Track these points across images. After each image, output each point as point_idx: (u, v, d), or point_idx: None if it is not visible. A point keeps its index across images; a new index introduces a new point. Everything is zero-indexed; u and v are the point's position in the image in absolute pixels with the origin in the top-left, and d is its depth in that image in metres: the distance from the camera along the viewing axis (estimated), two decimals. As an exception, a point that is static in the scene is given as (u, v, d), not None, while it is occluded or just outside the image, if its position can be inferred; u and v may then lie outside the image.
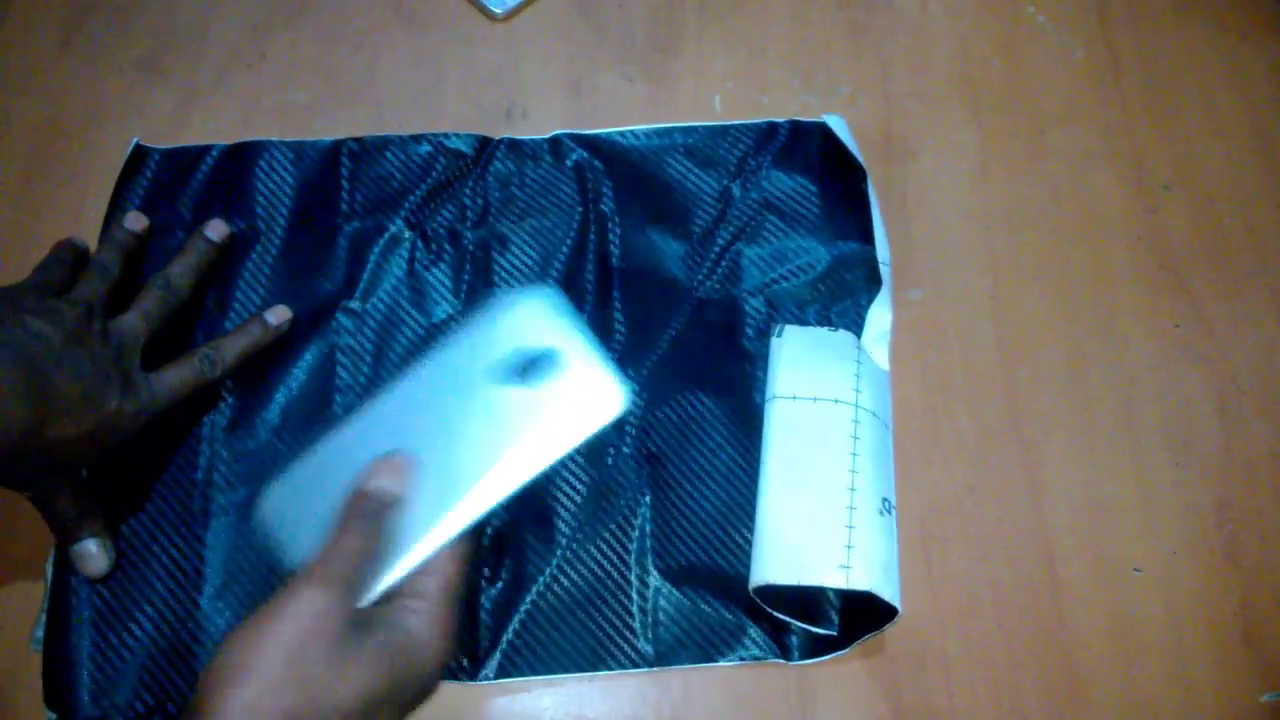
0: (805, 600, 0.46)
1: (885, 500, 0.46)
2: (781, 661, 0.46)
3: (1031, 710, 0.45)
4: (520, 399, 0.37)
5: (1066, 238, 0.54)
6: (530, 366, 0.37)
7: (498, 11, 0.59)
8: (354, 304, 0.52)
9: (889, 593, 0.43)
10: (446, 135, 0.55)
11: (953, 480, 0.49)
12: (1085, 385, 0.51)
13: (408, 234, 0.53)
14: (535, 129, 0.56)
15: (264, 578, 0.46)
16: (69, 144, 0.56)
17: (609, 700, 0.46)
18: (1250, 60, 0.59)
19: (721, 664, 0.46)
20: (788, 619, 0.45)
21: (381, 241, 0.53)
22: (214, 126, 0.56)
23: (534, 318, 0.38)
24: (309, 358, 0.51)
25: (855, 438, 0.46)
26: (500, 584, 0.47)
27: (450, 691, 0.45)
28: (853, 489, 0.45)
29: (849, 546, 0.44)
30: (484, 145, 0.55)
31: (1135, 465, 0.50)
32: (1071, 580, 0.48)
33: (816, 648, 0.46)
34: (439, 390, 0.37)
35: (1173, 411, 0.51)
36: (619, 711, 0.45)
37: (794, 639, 0.46)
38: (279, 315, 0.50)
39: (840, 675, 0.46)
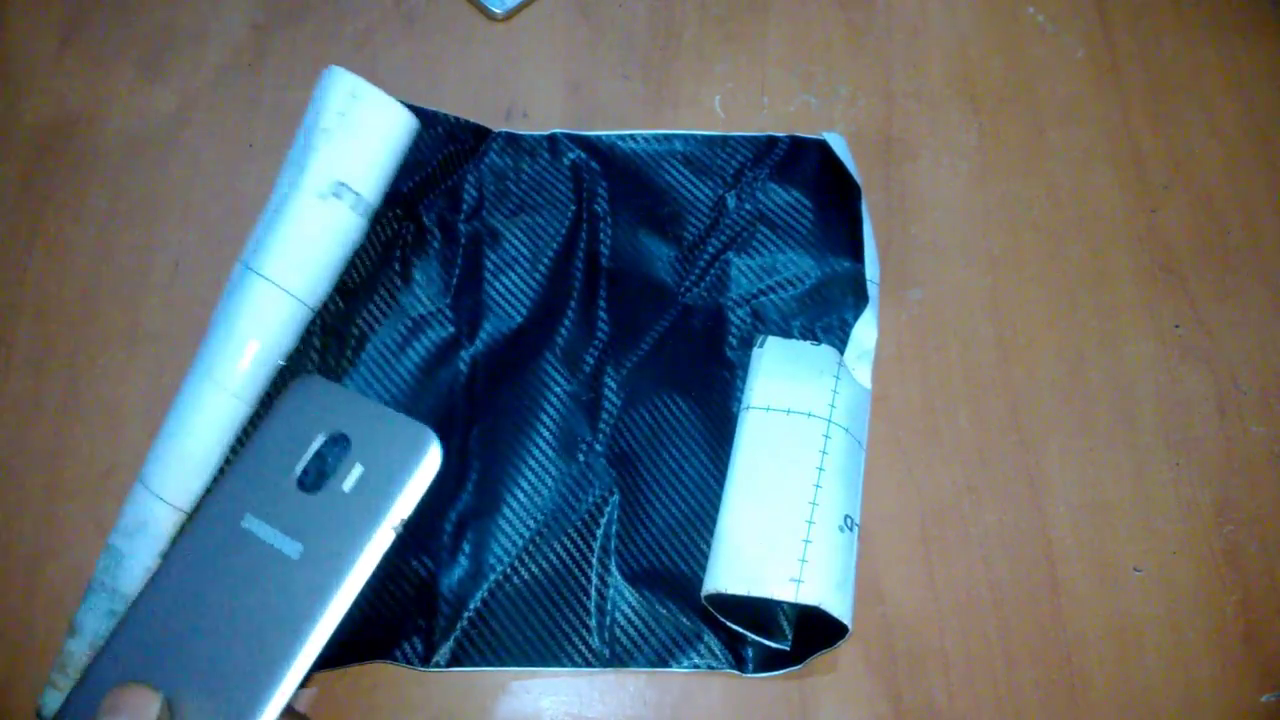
0: (761, 612, 0.45)
1: (848, 517, 0.45)
2: (735, 672, 0.45)
3: (1031, 710, 0.45)
4: (318, 506, 0.29)
5: (1066, 238, 0.54)
6: (316, 469, 0.31)
7: (498, 11, 0.59)
8: (342, 289, 0.51)
9: (839, 609, 0.42)
10: (448, 115, 0.54)
11: (953, 480, 0.49)
12: (1085, 385, 0.51)
13: (401, 222, 0.53)
14: (535, 129, 0.56)
15: None
16: (69, 144, 0.56)
17: (609, 700, 0.46)
18: (1250, 60, 0.59)
19: (675, 670, 0.46)
20: (741, 630, 0.45)
21: (373, 228, 0.52)
22: (214, 126, 0.56)
23: (299, 409, 0.30)
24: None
25: (824, 452, 0.46)
26: (459, 570, 0.47)
27: (449, 690, 0.45)
28: (814, 503, 0.45)
29: (803, 560, 0.43)
30: (481, 135, 0.55)
31: (1135, 465, 0.50)
32: (1071, 580, 0.48)
33: (771, 661, 0.45)
34: (217, 556, 0.30)
35: (1172, 411, 0.51)
36: (619, 712, 0.45)
37: (749, 650, 0.46)
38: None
39: (840, 675, 0.46)
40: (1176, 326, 0.53)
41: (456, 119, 0.55)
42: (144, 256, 0.53)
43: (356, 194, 0.44)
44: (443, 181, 0.54)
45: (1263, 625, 0.47)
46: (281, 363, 0.44)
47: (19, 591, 0.47)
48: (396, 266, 0.52)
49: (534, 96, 0.58)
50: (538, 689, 0.46)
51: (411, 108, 0.53)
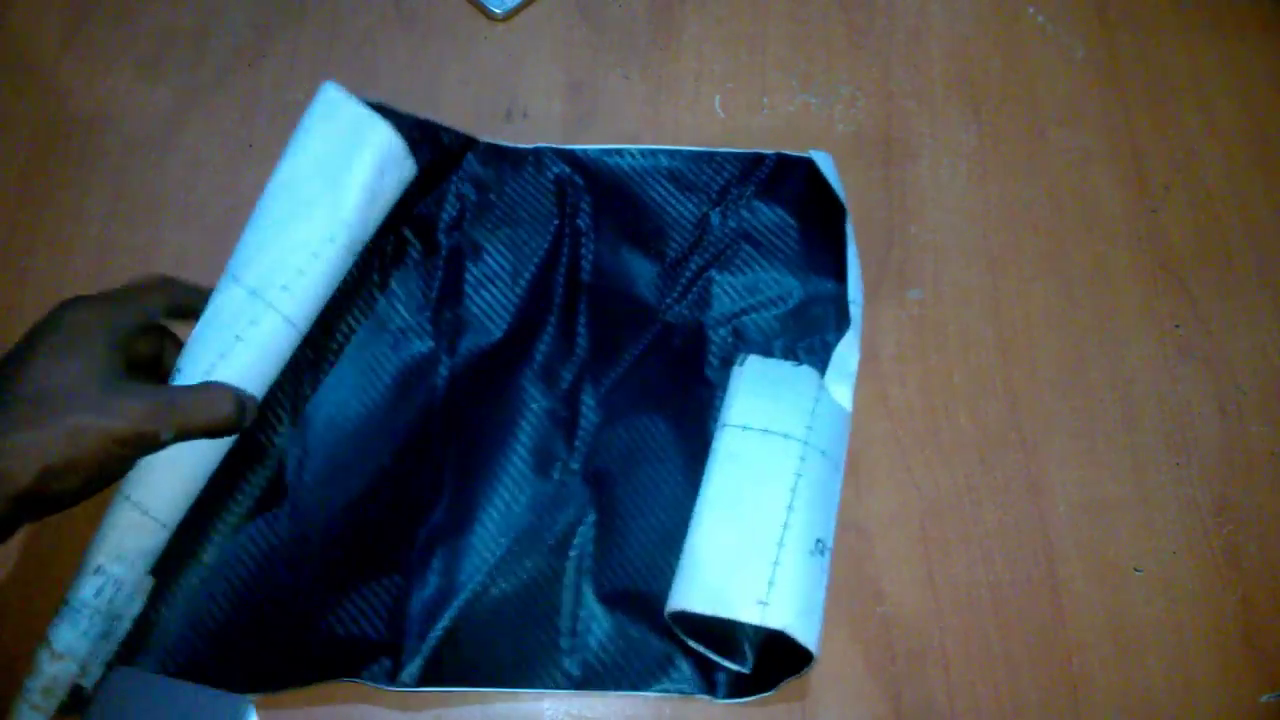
0: (725, 634, 0.45)
1: (820, 541, 0.44)
2: (707, 698, 0.45)
3: (1031, 710, 0.45)
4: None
5: (1066, 238, 0.54)
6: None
7: (498, 11, 0.59)
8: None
9: (805, 635, 0.42)
10: (433, 124, 0.52)
11: (953, 480, 0.49)
12: (1085, 385, 0.51)
13: (381, 234, 0.52)
14: (535, 129, 0.56)
15: (209, 576, 0.46)
16: (69, 144, 0.56)
17: (609, 701, 0.45)
18: (1250, 61, 0.59)
19: (647, 694, 0.45)
20: (703, 650, 0.44)
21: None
22: (214, 126, 0.56)
23: (116, 708, 0.37)
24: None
25: (798, 474, 0.45)
26: (429, 587, 0.46)
27: (449, 692, 0.45)
28: (786, 525, 0.43)
29: (771, 583, 0.42)
30: (467, 144, 0.54)
31: (1135, 465, 0.50)
32: (1071, 580, 0.48)
33: (741, 687, 0.45)
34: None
35: (1173, 411, 0.51)
36: (619, 712, 0.45)
37: (721, 675, 0.45)
38: (254, 410, 0.43)
39: (840, 675, 0.46)
40: (1176, 326, 0.53)
41: (440, 128, 0.52)
42: (144, 256, 0.53)
43: (365, 243, 0.47)
44: (426, 194, 0.53)
45: (1263, 625, 0.47)
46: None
47: (19, 594, 0.47)
48: (375, 279, 0.52)
49: (534, 96, 0.58)
50: (530, 695, 0.45)
51: (394, 113, 0.52)
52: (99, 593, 0.41)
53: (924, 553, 0.48)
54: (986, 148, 0.57)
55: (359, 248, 0.46)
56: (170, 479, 0.42)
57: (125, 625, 0.43)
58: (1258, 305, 0.53)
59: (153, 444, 0.38)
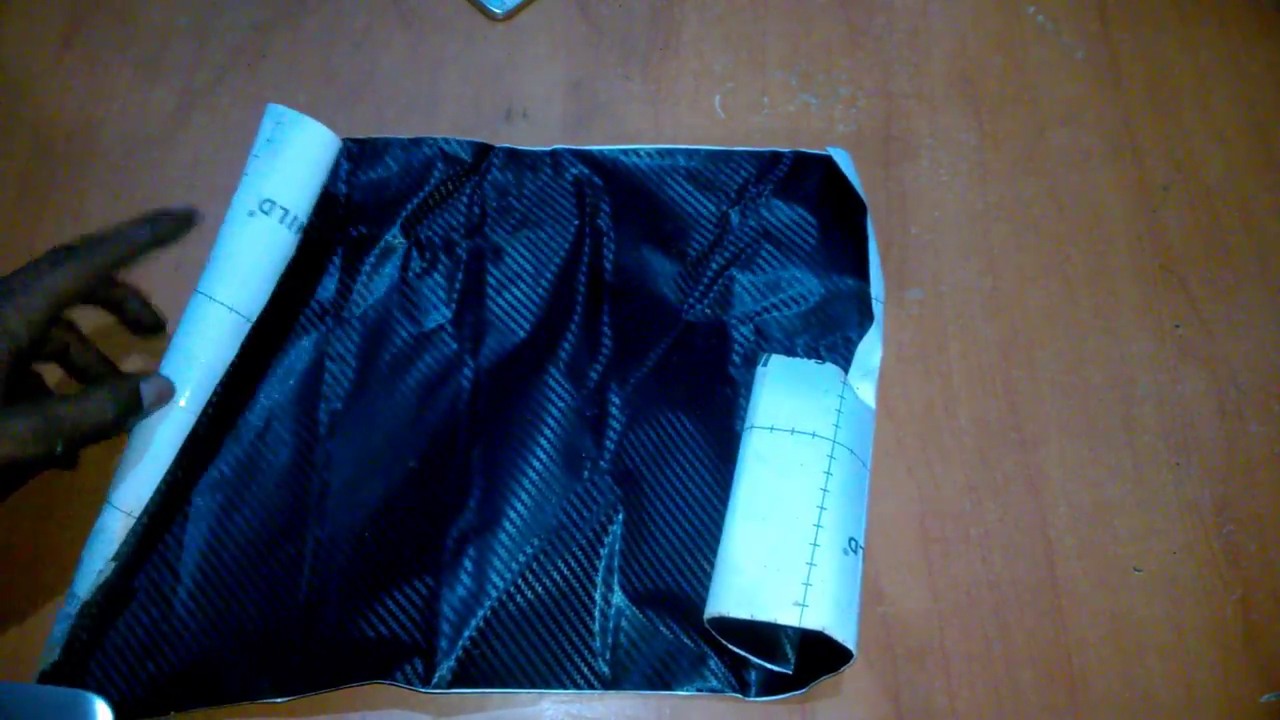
0: (763, 635, 0.45)
1: (852, 540, 0.44)
2: (738, 696, 0.45)
3: (1031, 710, 0.45)
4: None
5: (1066, 238, 0.54)
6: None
7: (498, 11, 0.59)
8: (345, 311, 0.51)
9: (844, 634, 0.42)
10: (446, 140, 0.55)
11: (953, 480, 0.49)
12: (1085, 385, 0.51)
13: (402, 241, 0.53)
14: (535, 129, 0.56)
15: (237, 581, 0.46)
16: (69, 144, 0.56)
17: (609, 701, 0.46)
18: (1250, 60, 0.59)
19: (679, 693, 0.45)
20: (744, 653, 0.44)
21: (377, 249, 0.52)
22: (214, 126, 0.56)
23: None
24: (296, 363, 0.50)
25: (828, 474, 0.45)
26: (460, 588, 0.46)
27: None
28: (819, 526, 0.44)
29: (807, 584, 0.42)
30: (483, 153, 0.55)
31: (1135, 465, 0.50)
32: (1071, 580, 0.48)
33: (774, 685, 0.45)
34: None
35: (1173, 411, 0.51)
36: (619, 712, 0.45)
37: (753, 674, 0.45)
38: (158, 391, 0.44)
39: (840, 675, 0.46)
40: (1176, 326, 0.53)
41: (450, 141, 0.54)
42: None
43: (284, 209, 0.47)
44: (443, 202, 0.54)
45: (1263, 625, 0.47)
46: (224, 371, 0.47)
47: (19, 595, 0.47)
48: (398, 283, 0.52)
49: (534, 96, 0.58)
50: (536, 691, 0.46)
51: (397, 142, 0.54)
52: (74, 579, 0.44)
53: (924, 553, 0.48)
54: (986, 148, 0.57)
55: (288, 219, 0.47)
56: (135, 474, 0.44)
57: (75, 605, 0.44)
58: (1258, 305, 0.53)
59: (48, 460, 0.40)
